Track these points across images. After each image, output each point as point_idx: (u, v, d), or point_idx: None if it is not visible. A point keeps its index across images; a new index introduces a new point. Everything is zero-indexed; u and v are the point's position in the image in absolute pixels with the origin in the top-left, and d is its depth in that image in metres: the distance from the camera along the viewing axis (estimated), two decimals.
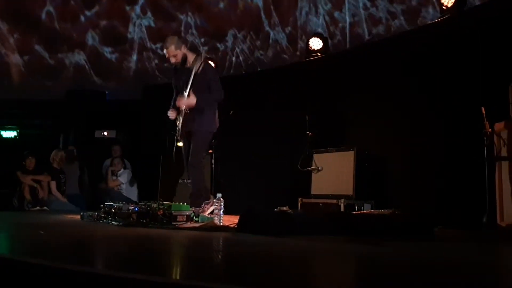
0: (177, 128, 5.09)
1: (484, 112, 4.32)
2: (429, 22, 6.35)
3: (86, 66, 9.46)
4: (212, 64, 5.52)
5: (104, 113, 8.89)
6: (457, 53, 5.13)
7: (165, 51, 5.03)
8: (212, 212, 4.56)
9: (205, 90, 4.93)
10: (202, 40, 9.12)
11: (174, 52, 4.94)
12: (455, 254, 2.82)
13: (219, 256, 2.59)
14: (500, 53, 4.70)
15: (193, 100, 4.84)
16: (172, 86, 5.23)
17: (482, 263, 2.45)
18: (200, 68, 4.92)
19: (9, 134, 9.07)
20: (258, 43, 8.68)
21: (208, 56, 5.30)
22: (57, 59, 9.41)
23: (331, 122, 6.37)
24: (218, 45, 9.04)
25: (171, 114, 5.08)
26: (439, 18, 5.67)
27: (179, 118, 5.05)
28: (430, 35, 5.63)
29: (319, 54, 6.98)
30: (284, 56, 8.44)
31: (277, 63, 8.30)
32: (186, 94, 4.87)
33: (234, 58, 8.89)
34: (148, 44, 9.36)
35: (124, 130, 8.71)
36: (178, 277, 1.83)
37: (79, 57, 9.44)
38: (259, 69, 8.51)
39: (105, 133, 8.67)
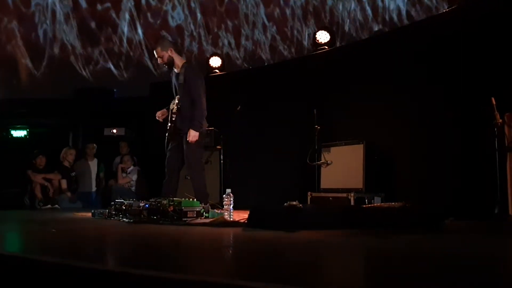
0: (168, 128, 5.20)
1: (494, 102, 4.29)
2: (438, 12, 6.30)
3: None
4: (194, 69, 5.29)
5: (113, 111, 8.92)
6: (467, 44, 5.08)
7: (154, 51, 5.24)
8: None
9: (190, 99, 5.01)
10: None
11: (160, 53, 5.09)
12: (465, 246, 2.80)
13: (230, 252, 2.60)
14: (510, 43, 4.65)
15: (193, 137, 4.92)
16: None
17: (493, 255, 2.43)
18: (183, 79, 5.04)
19: (19, 133, 9.14)
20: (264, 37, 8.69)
21: (189, 63, 5.34)
22: None
23: (340, 115, 6.35)
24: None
25: (160, 115, 5.26)
26: (448, 8, 5.62)
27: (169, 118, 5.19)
28: (439, 25, 5.58)
29: (326, 47, 6.95)
30: (291, 50, 8.42)
31: (284, 57, 8.30)
32: (175, 101, 5.05)
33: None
34: None
35: (132, 127, 8.75)
36: (189, 273, 1.83)
37: None
38: (265, 64, 8.50)
39: (114, 131, 8.71)
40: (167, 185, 5.11)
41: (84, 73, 9.46)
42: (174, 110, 5.05)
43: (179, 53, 5.41)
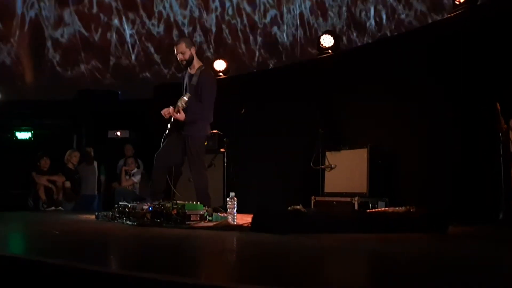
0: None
1: (499, 108, 4.28)
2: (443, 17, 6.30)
3: None
4: (210, 77, 5.30)
5: (117, 113, 8.93)
6: (471, 48, 5.07)
7: (175, 47, 5.17)
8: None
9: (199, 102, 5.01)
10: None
11: (183, 49, 5.08)
12: (468, 251, 2.79)
13: (234, 256, 2.60)
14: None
15: (181, 117, 4.90)
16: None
17: (496, 260, 2.42)
18: (197, 81, 5.04)
19: (24, 135, 9.15)
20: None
21: (205, 68, 5.31)
22: None
23: (343, 119, 6.34)
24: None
25: (166, 113, 5.10)
26: (452, 13, 5.62)
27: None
28: (443, 30, 5.58)
29: (330, 51, 6.95)
30: (295, 53, 8.44)
31: (288, 61, 8.31)
32: (181, 102, 4.93)
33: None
34: None
35: (136, 130, 8.75)
36: (192, 277, 1.83)
37: None
38: (270, 67, 8.51)
39: (118, 133, 8.71)
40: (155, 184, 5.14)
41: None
42: (181, 108, 5.02)
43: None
